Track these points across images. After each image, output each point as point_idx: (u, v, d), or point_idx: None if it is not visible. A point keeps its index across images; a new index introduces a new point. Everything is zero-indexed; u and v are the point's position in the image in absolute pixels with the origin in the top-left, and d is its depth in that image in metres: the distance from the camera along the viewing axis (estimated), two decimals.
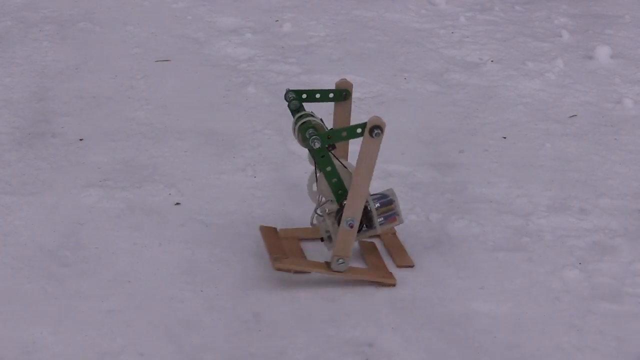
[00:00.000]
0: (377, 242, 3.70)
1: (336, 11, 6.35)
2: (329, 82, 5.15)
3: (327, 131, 3.37)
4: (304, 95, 3.59)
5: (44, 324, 3.18)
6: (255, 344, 3.14)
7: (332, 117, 3.66)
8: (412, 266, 3.57)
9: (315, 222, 3.56)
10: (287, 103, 3.54)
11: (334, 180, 3.41)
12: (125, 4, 6.31)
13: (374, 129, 3.29)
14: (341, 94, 3.63)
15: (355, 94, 5.05)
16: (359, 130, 3.32)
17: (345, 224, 3.37)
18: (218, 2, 6.39)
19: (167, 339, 3.15)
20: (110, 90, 5.01)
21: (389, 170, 4.26)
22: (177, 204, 3.93)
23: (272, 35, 5.87)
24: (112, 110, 4.77)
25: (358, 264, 3.55)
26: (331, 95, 3.62)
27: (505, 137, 4.65)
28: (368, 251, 3.64)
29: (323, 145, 3.35)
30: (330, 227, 3.45)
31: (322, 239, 3.50)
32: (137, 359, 3.05)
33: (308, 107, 3.57)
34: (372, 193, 3.52)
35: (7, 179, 4.06)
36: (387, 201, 3.53)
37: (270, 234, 3.62)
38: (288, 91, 3.56)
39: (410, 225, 3.83)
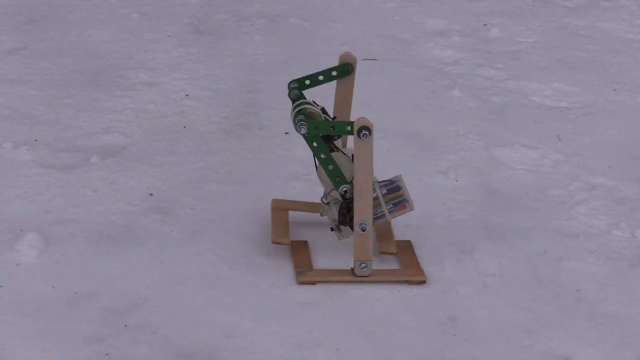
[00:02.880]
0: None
1: (546, 18, 6.24)
2: (535, 90, 5.08)
3: (315, 121, 3.31)
4: (307, 82, 3.51)
5: (244, 311, 3.26)
6: (450, 349, 3.12)
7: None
8: (394, 254, 3.56)
9: (323, 212, 3.54)
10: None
11: (330, 167, 3.37)
12: (334, 2, 6.38)
13: (362, 130, 3.23)
14: (344, 69, 3.52)
15: (562, 103, 4.98)
16: (347, 128, 3.28)
17: (358, 228, 3.35)
18: (427, 4, 6.39)
19: (362, 336, 3.17)
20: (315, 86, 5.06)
21: (594, 183, 4.17)
22: None
23: (480, 40, 5.82)
24: None
25: (393, 264, 3.55)
26: (334, 72, 3.52)
27: None
28: (403, 249, 3.61)
29: (314, 133, 3.30)
30: (337, 215, 3.43)
31: (331, 229, 3.48)
32: (333, 353, 3.09)
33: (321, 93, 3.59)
34: (380, 180, 3.49)
35: (214, 167, 4.18)
36: (394, 187, 3.47)
37: (299, 247, 3.60)
38: (291, 81, 3.50)
39: (614, 241, 3.73)
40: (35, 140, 4.33)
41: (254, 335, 3.15)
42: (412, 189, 4.02)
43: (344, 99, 3.61)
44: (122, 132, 4.45)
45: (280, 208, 3.75)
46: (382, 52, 5.57)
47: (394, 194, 3.47)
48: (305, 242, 3.64)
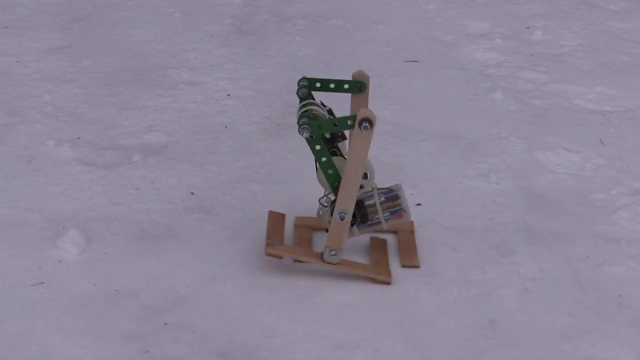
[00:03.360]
0: (392, 238, 3.69)
1: (590, 21, 6.20)
2: (577, 94, 5.05)
3: (318, 122, 3.29)
4: (318, 84, 3.50)
5: (284, 311, 3.27)
6: (490, 352, 3.11)
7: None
8: (417, 267, 3.52)
9: (319, 212, 3.53)
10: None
11: (330, 171, 3.36)
12: (376, 3, 6.37)
13: (363, 122, 3.21)
14: (356, 86, 3.50)
15: (605, 107, 4.95)
16: (349, 122, 3.26)
17: (337, 216, 3.35)
18: (469, 6, 6.36)
19: (401, 338, 3.17)
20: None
21: (637, 188, 4.13)
22: (418, 204, 3.93)
23: (522, 42, 5.79)
24: None
25: (363, 260, 3.54)
26: (346, 86, 3.51)
27: None
28: (376, 247, 3.61)
29: (317, 133, 3.29)
30: (331, 217, 3.42)
31: (327, 230, 3.46)
32: (372, 354, 3.09)
33: (330, 97, 3.57)
34: (379, 187, 3.47)
35: (255, 167, 4.19)
36: (392, 196, 3.46)
37: (275, 219, 3.62)
38: (302, 78, 3.49)
39: None
40: (78, 138, 4.36)
41: (294, 335, 3.16)
42: (453, 191, 4.03)
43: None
44: (164, 131, 4.47)
45: (304, 225, 3.74)
46: (424, 53, 5.56)
47: (392, 203, 3.47)
48: (283, 216, 3.67)
